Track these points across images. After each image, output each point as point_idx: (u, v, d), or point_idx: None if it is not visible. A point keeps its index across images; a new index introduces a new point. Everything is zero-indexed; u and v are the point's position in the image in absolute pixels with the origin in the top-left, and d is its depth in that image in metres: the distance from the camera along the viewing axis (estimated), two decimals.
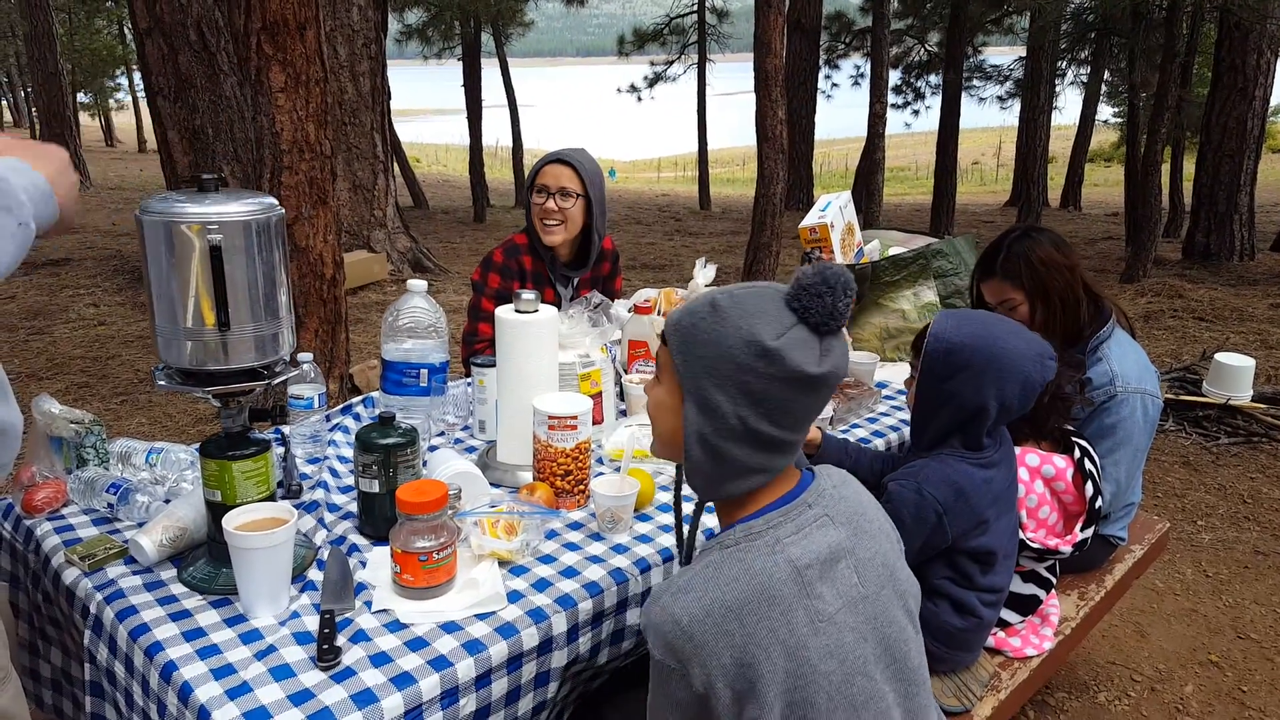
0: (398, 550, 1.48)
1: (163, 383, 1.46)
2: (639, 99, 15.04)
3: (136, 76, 22.66)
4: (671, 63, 14.76)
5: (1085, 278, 2.19)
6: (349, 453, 2.05)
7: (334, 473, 1.93)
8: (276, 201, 1.47)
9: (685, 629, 1.09)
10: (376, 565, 1.58)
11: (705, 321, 1.15)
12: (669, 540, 1.71)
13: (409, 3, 10.98)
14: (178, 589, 1.50)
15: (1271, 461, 4.38)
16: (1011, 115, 15.23)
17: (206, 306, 1.41)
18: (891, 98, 16.02)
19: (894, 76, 16.02)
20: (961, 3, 10.84)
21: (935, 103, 16.40)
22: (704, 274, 2.57)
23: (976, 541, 1.70)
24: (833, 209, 2.68)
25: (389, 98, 7.47)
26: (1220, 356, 4.81)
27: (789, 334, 1.12)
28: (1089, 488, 1.94)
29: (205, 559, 1.56)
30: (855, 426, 2.28)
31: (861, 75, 15.69)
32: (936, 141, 11.88)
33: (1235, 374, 4.71)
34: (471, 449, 2.08)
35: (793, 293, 1.14)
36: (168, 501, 1.73)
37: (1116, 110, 20.05)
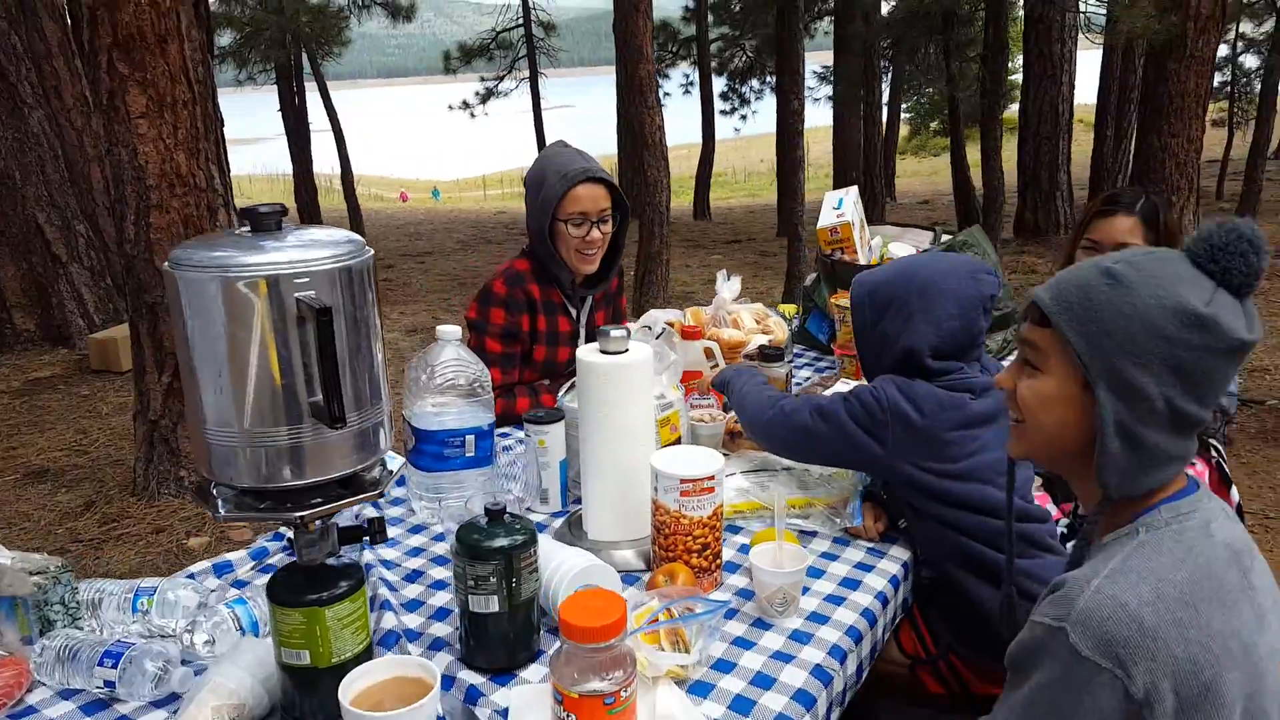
0: (570, 695, 1.10)
1: (226, 512, 1.01)
2: (472, 115, 14.49)
3: None
4: (501, 78, 14.31)
5: None
6: (391, 554, 1.61)
7: (389, 585, 1.50)
8: (361, 238, 1.07)
9: (1135, 615, 0.94)
10: (523, 712, 1.19)
11: (1107, 294, 1.04)
12: (848, 616, 1.40)
13: (219, 23, 10.03)
14: None
15: None
16: (820, 117, 15.76)
17: (280, 396, 0.99)
18: (718, 104, 16.33)
19: (719, 84, 16.31)
20: (787, 7, 11.08)
21: (760, 107, 16.92)
22: (729, 288, 2.28)
23: (951, 476, 1.52)
24: (847, 206, 2.46)
25: (222, 125, 6.69)
26: None
27: (1215, 299, 1.01)
28: (1234, 492, 1.80)
29: None
30: None
31: (691, 84, 15.87)
32: (776, 143, 12.07)
33: None
34: (540, 526, 1.69)
35: (1205, 253, 1.02)
36: (185, 663, 1.26)
37: (907, 106, 21.32)
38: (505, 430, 2.02)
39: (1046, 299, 1.08)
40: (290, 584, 1.09)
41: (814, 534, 1.64)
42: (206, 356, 0.97)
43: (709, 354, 2.01)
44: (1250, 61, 12.61)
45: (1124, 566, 0.99)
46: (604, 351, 1.53)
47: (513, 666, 1.29)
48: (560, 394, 1.85)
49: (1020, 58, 10.88)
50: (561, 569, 1.36)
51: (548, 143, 12.41)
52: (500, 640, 1.27)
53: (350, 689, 1.04)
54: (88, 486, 4.09)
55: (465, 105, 14.43)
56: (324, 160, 14.72)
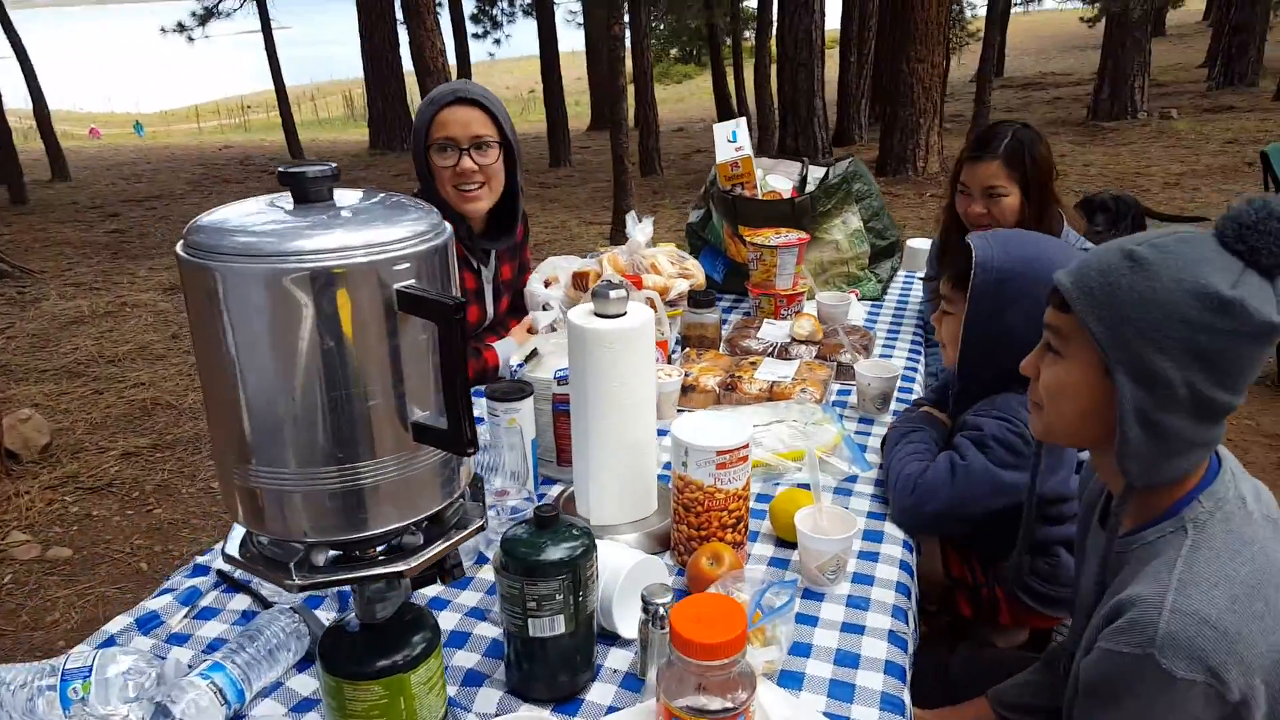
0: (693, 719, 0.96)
1: (300, 578, 0.76)
2: (190, 39, 12.84)
3: None
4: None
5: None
6: None
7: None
8: (428, 204, 0.82)
9: (1216, 625, 0.93)
10: None
11: (1128, 279, 1.00)
12: (889, 572, 1.35)
13: None
14: None
15: None
16: (571, 42, 15.53)
17: (368, 419, 0.75)
18: (470, 27, 15.58)
19: (469, 5, 15.55)
20: None
21: (513, 30, 16.39)
22: (642, 230, 2.12)
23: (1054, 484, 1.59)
24: (742, 138, 2.36)
25: None
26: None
27: (1243, 280, 0.97)
28: None
29: None
30: None
31: (439, 4, 14.98)
32: (541, 69, 11.76)
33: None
34: (515, 512, 1.49)
35: (1233, 233, 0.98)
36: None
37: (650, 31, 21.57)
38: None
39: (1067, 283, 1.05)
40: (355, 651, 0.85)
41: (806, 486, 1.57)
42: (267, 373, 0.71)
43: (651, 305, 1.86)
44: None
45: (1190, 576, 0.97)
46: (600, 315, 1.35)
47: (577, 691, 1.12)
48: (513, 363, 1.64)
49: None
50: (608, 569, 1.19)
51: (282, 66, 11.13)
52: (563, 664, 1.10)
53: None
54: None
55: (181, 28, 12.75)
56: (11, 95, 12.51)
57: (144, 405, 4.29)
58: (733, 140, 2.36)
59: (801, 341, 2.02)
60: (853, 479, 1.59)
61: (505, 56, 17.37)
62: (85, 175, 12.15)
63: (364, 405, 0.73)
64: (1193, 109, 11.62)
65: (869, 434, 1.77)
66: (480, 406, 1.54)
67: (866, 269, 2.47)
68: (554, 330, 1.83)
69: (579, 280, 2.06)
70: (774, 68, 10.82)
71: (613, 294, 1.33)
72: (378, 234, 0.71)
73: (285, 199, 0.75)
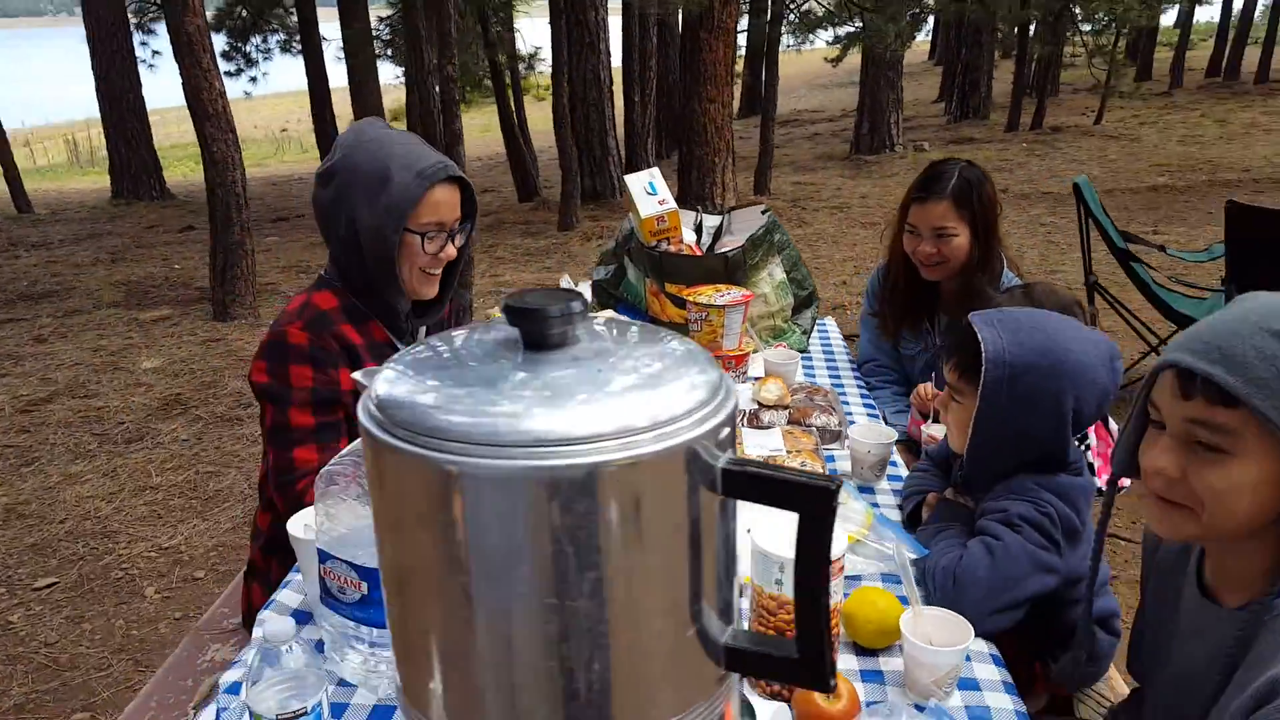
0: None
1: None
2: None
3: None
4: None
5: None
6: None
7: None
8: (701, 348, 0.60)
9: None
10: None
11: None
12: (990, 672, 1.22)
13: None
14: None
15: None
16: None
17: (682, 648, 0.52)
18: (221, 64, 14.42)
19: (220, 41, 14.41)
20: None
21: (270, 68, 15.38)
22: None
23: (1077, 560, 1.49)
24: (662, 189, 2.19)
25: None
26: None
27: None
28: None
29: None
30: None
31: None
32: (311, 108, 11.08)
33: None
34: None
35: None
36: None
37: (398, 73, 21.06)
38: None
39: (1228, 379, 0.96)
40: None
41: (859, 578, 1.42)
42: (527, 612, 0.46)
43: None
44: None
45: None
46: None
47: None
48: None
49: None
50: None
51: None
52: None
53: None
54: None
55: None
56: None
57: None
58: (652, 192, 2.20)
59: (769, 407, 1.88)
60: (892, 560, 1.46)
61: (258, 94, 16.26)
62: None
63: (675, 638, 0.50)
64: (939, 141, 12.83)
65: (877, 505, 1.65)
66: None
67: (790, 320, 2.39)
68: None
69: None
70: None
71: None
72: (672, 396, 0.49)
73: (496, 340, 0.50)
